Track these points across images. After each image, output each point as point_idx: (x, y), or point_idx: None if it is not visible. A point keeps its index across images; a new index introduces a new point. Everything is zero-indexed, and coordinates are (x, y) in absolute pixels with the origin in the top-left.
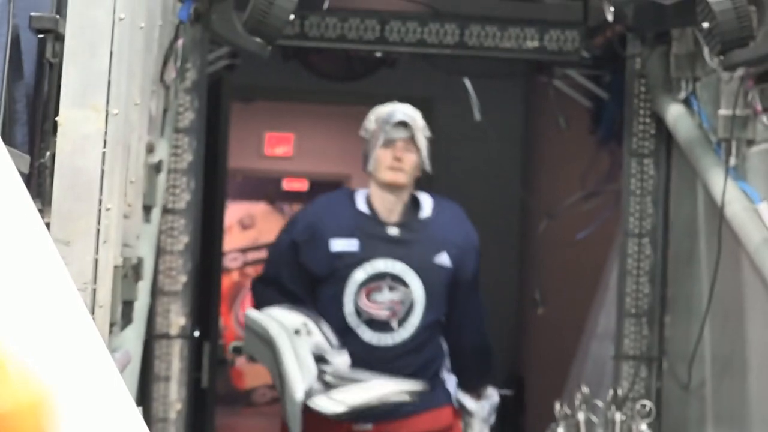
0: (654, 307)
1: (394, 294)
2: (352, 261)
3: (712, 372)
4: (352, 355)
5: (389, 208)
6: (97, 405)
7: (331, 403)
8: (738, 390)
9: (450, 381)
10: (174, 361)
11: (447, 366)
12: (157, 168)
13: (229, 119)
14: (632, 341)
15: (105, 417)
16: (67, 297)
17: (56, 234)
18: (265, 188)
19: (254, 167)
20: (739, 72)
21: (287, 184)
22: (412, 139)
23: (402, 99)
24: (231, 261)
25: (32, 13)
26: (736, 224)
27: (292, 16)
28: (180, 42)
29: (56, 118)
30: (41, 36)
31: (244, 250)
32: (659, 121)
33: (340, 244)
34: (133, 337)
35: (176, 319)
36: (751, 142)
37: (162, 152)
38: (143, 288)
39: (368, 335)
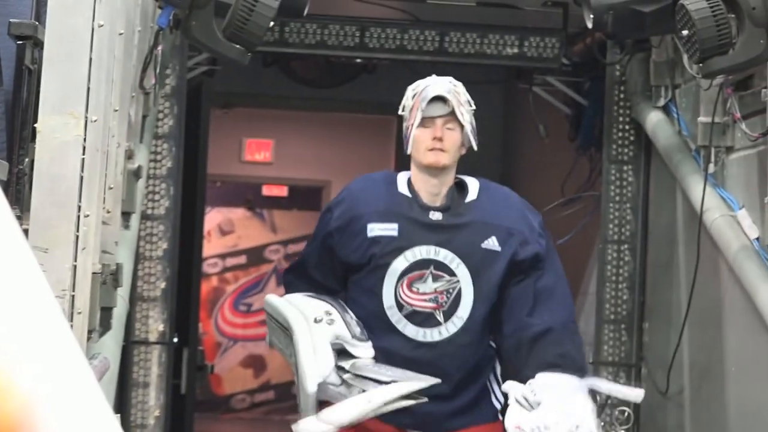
0: (633, 314)
1: (439, 283)
2: (391, 248)
3: (691, 378)
4: (394, 354)
5: (432, 192)
6: (75, 413)
7: (317, 425)
8: (716, 396)
9: (498, 392)
10: (153, 367)
11: (497, 372)
12: (136, 174)
13: (209, 125)
14: (611, 348)
15: (83, 425)
16: (45, 305)
17: (35, 241)
18: (244, 194)
19: (233, 173)
20: (719, 79)
21: (267, 190)
22: (453, 115)
23: (382, 106)
24: (210, 266)
25: (11, 20)
26: (715, 231)
27: (271, 23)
28: (159, 48)
29: (35, 125)
30: (20, 42)
31: (223, 256)
32: (638, 128)
33: (379, 229)
34: (112, 343)
35: (155, 325)
36: (730, 150)
37: (141, 158)
38: (122, 294)
39: (411, 330)
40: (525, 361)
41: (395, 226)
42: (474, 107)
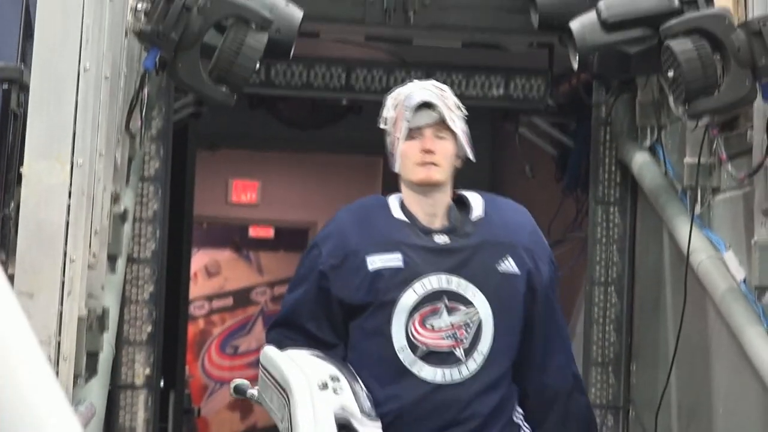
0: (620, 356)
1: (455, 316)
2: (397, 280)
3: (679, 420)
4: (410, 400)
5: (430, 213)
6: None
7: None
8: None
9: (524, 425)
10: (139, 411)
11: (518, 411)
12: (122, 217)
13: (195, 167)
14: (599, 390)
15: None
16: (28, 352)
17: (21, 286)
18: (230, 235)
19: (220, 215)
20: (704, 120)
21: (253, 231)
22: (443, 123)
23: (368, 146)
24: (197, 309)
25: None
26: (701, 273)
27: (258, 65)
28: (145, 91)
29: (21, 169)
30: (6, 86)
31: (209, 298)
32: (625, 168)
33: (380, 260)
34: (98, 388)
35: (141, 369)
36: (716, 190)
37: (127, 201)
38: (108, 339)
39: (429, 373)
40: (545, 418)
41: (398, 255)
42: (465, 112)
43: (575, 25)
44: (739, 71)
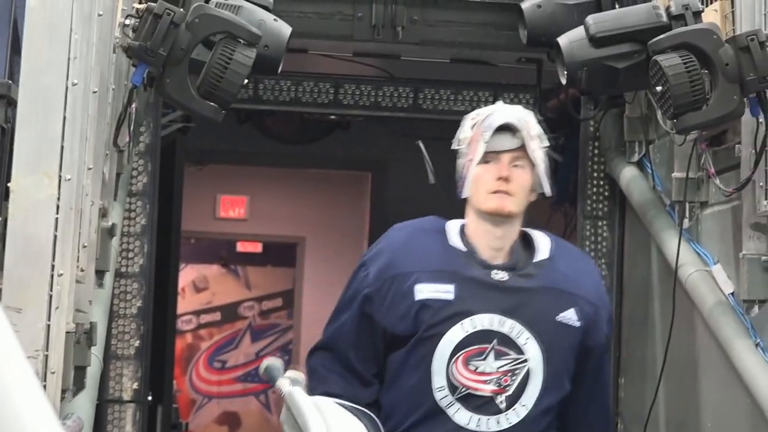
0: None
1: (503, 362)
2: (446, 314)
3: None
4: None
5: (494, 246)
6: None
7: None
8: None
9: None
10: (127, 426)
11: None
12: (110, 232)
13: (183, 182)
14: None
15: None
16: (17, 367)
17: (8, 300)
18: (218, 250)
19: (208, 230)
20: (692, 135)
21: (241, 246)
22: (523, 150)
23: (356, 162)
24: (185, 323)
25: None
26: (690, 286)
27: (246, 80)
28: (134, 106)
29: (8, 184)
30: None
31: (197, 313)
32: (613, 183)
33: (429, 291)
34: (86, 402)
35: (129, 383)
36: (704, 205)
37: (115, 216)
38: (96, 353)
39: (463, 417)
40: None
41: (450, 287)
42: (547, 143)
43: (563, 40)
44: (727, 86)
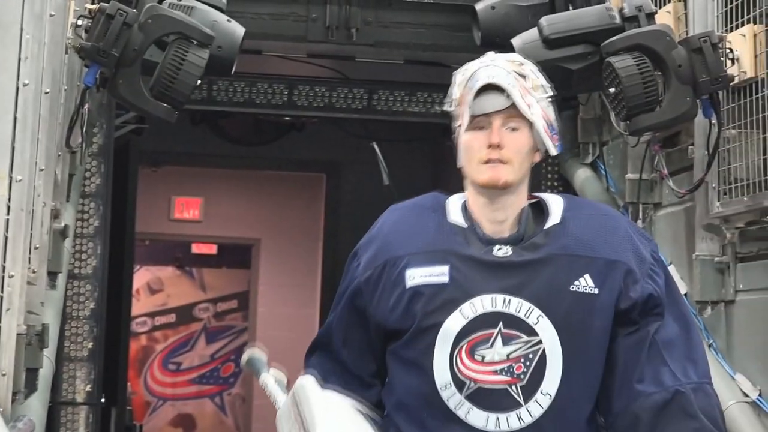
0: None
1: (513, 347)
2: (441, 300)
3: None
4: None
5: (496, 220)
6: None
7: None
8: None
9: None
10: (80, 428)
11: None
12: (62, 233)
13: (137, 184)
14: None
15: None
16: None
17: None
18: (173, 252)
19: (162, 231)
20: (646, 136)
21: (196, 248)
22: (515, 109)
23: (311, 163)
24: (139, 325)
25: None
26: None
27: (199, 81)
28: (86, 107)
29: None
30: None
31: (152, 314)
32: (567, 184)
33: (421, 275)
34: (38, 405)
35: (82, 385)
36: (657, 206)
37: (68, 217)
38: (48, 355)
39: (478, 418)
40: None
41: (444, 269)
42: (551, 93)
43: (517, 42)
44: (680, 88)
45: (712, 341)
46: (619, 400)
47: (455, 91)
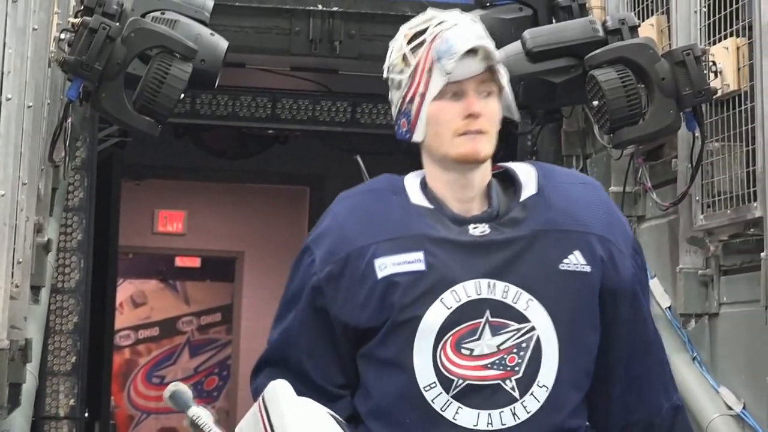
0: None
1: (503, 336)
2: (419, 290)
3: None
4: None
5: (465, 197)
6: None
7: None
8: None
9: None
10: None
11: None
12: (45, 248)
13: (120, 197)
14: None
15: None
16: None
17: None
18: (157, 265)
19: (146, 245)
20: (629, 149)
21: (180, 261)
22: (488, 73)
23: (295, 176)
24: (123, 339)
25: None
26: None
27: (182, 95)
28: (69, 121)
29: None
30: None
31: (135, 328)
32: None
33: (393, 264)
34: (21, 420)
35: (65, 400)
36: (641, 219)
37: (51, 232)
38: (31, 370)
39: (468, 417)
40: None
41: (419, 255)
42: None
43: (500, 54)
44: (663, 100)
45: (696, 354)
46: (634, 409)
47: (405, 52)
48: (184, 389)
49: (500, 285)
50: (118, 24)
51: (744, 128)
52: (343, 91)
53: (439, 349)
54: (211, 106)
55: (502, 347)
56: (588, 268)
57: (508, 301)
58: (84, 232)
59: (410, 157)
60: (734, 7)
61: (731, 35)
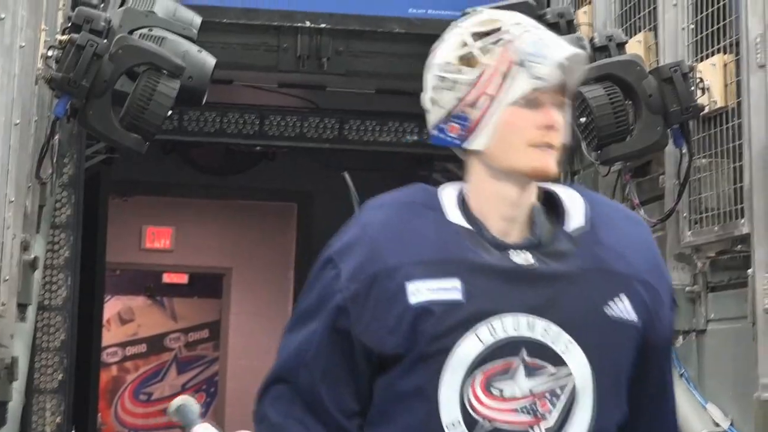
0: None
1: (538, 380)
2: (454, 321)
3: None
4: None
5: (508, 215)
6: None
7: None
8: None
9: None
10: None
11: None
12: (32, 265)
13: (107, 214)
14: None
15: None
16: None
17: None
18: (144, 281)
19: (133, 261)
20: (617, 166)
21: (167, 278)
22: (563, 90)
23: (282, 192)
24: (110, 355)
25: None
26: None
27: (170, 112)
28: (56, 138)
29: None
30: None
31: (123, 345)
32: None
33: (428, 290)
34: None
35: (52, 417)
36: None
37: (38, 249)
38: (17, 388)
39: None
40: None
41: (456, 282)
42: None
43: None
44: (651, 117)
45: (683, 371)
46: None
47: (475, 54)
48: (192, 404)
49: (540, 323)
50: (105, 41)
51: (731, 145)
52: (330, 108)
53: (467, 386)
54: (198, 122)
55: (535, 391)
56: (635, 318)
57: (547, 341)
58: (71, 249)
59: (397, 173)
60: (721, 23)
61: (718, 52)
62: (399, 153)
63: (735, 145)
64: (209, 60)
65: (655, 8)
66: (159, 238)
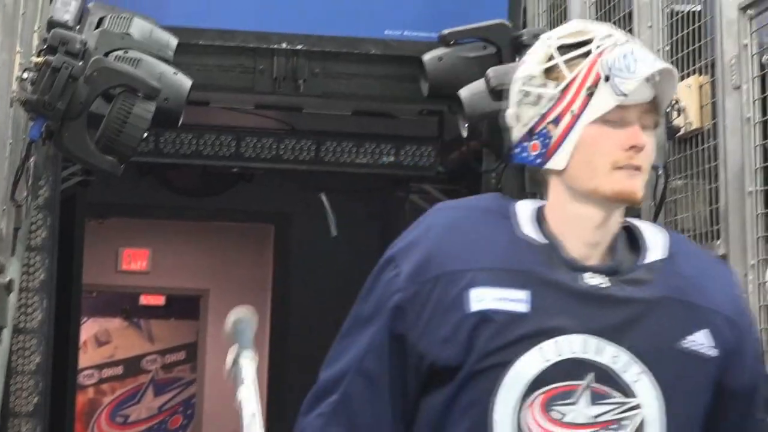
0: None
1: (604, 408)
2: (516, 334)
3: None
4: None
5: (593, 240)
6: None
7: None
8: None
9: None
10: None
11: None
12: (7, 288)
13: (83, 236)
14: None
15: None
16: None
17: None
18: (121, 303)
19: (110, 283)
20: None
21: (144, 299)
22: (654, 103)
23: (259, 214)
24: (86, 378)
25: None
26: None
27: (145, 134)
28: (32, 160)
29: None
30: None
31: (99, 367)
32: None
33: (492, 298)
34: None
35: None
36: None
37: (13, 272)
38: None
39: None
40: None
41: (523, 294)
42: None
43: (464, 93)
44: None
45: None
46: None
47: (560, 67)
48: (250, 320)
49: (610, 348)
50: (81, 63)
51: (707, 166)
52: (307, 129)
53: (525, 405)
54: (174, 144)
55: (599, 419)
56: (713, 353)
57: (616, 368)
58: (47, 271)
59: (374, 195)
60: (697, 45)
61: (694, 73)
62: (376, 174)
63: (711, 166)
64: (185, 82)
65: (630, 29)
66: (135, 260)
